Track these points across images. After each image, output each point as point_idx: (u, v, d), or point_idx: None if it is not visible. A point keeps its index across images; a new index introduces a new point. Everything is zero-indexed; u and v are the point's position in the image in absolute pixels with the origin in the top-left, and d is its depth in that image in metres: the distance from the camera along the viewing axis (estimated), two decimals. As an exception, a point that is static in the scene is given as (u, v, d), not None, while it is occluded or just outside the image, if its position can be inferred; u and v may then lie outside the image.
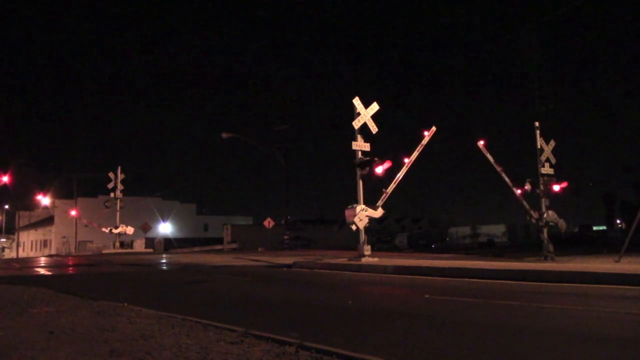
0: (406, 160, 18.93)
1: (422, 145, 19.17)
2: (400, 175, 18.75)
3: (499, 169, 19.12)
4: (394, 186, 18.65)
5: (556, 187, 18.22)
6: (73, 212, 51.43)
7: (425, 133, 19.28)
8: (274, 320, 6.65)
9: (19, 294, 9.36)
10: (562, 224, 18.64)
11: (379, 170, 17.14)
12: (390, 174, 17.89)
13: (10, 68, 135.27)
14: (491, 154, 19.28)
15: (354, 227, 17.00)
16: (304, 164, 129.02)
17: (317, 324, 6.43)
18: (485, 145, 19.30)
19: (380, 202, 17.99)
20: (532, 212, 18.42)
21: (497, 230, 49.69)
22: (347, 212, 17.21)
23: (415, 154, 19.05)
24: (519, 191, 19.01)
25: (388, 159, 17.44)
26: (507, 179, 19.05)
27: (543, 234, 18.22)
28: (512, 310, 7.27)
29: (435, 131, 19.42)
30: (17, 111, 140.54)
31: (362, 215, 16.98)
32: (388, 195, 18.45)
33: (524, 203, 18.88)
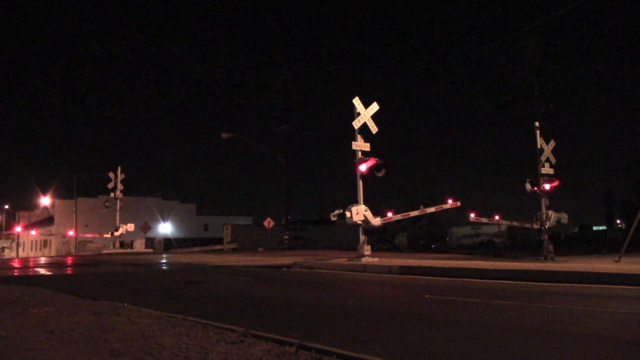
0: (422, 207, 20.68)
1: (441, 207, 20.67)
2: (411, 214, 20.14)
3: (495, 220, 21.61)
4: (401, 218, 20.04)
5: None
6: (71, 232, 53.09)
7: (450, 201, 20.63)
8: (274, 320, 6.65)
9: (19, 294, 9.36)
10: (563, 216, 18.73)
11: (379, 170, 17.14)
12: (391, 178, 18.37)
13: (10, 67, 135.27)
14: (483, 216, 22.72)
15: (347, 215, 16.99)
16: (304, 164, 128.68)
17: (317, 324, 6.43)
18: (476, 215, 22.08)
19: (382, 219, 18.39)
20: (532, 225, 19.27)
21: (497, 230, 49.63)
22: (347, 209, 17.31)
23: (432, 209, 20.68)
24: (515, 223, 21.85)
25: (388, 159, 17.60)
26: (504, 221, 21.83)
27: (543, 235, 18.26)
28: (512, 310, 7.27)
29: (459, 205, 20.83)
30: (16, 111, 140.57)
31: (361, 210, 17.01)
32: (392, 220, 19.60)
33: (526, 224, 20.68)
